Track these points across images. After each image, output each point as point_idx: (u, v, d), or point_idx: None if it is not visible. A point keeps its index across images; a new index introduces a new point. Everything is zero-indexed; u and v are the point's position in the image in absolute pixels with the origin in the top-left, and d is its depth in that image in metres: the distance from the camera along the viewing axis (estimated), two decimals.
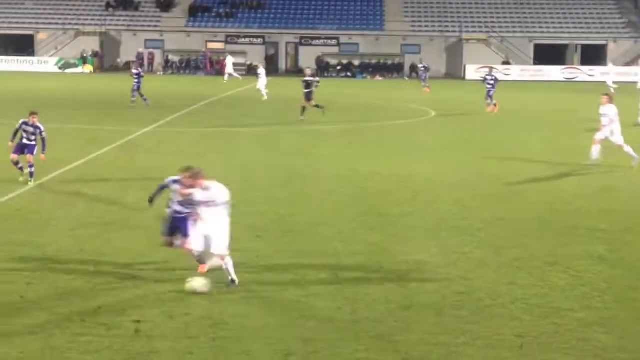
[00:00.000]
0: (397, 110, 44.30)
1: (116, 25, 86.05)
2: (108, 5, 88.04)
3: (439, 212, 18.63)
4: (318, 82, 39.24)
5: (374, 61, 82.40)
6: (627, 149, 25.09)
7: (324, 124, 36.24)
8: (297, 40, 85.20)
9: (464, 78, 78.34)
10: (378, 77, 79.88)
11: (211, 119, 38.02)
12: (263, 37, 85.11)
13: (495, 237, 16.31)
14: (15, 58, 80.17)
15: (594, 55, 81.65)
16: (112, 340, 10.52)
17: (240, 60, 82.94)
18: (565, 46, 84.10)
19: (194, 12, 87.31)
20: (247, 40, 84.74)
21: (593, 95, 36.73)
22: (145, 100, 42.54)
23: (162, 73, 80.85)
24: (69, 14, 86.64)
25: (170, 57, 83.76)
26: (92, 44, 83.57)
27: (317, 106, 37.40)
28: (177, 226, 13.56)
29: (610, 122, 25.11)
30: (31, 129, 21.15)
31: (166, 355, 10.12)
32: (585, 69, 79.06)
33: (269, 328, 11.05)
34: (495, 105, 41.93)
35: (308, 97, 37.79)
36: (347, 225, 17.12)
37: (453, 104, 49.38)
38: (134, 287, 12.67)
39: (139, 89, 42.91)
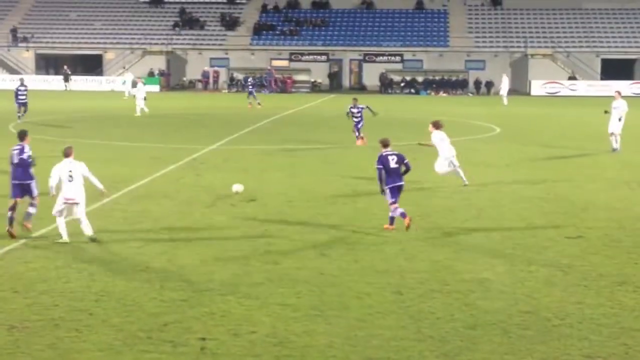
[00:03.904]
0: (462, 127, 44.00)
1: (182, 44, 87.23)
2: (175, 25, 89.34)
3: (504, 229, 18.45)
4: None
5: (437, 77, 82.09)
6: None
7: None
8: (361, 57, 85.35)
9: (529, 94, 77.60)
10: (442, 94, 79.54)
11: (275, 137, 38.22)
12: (327, 55, 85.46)
13: (563, 255, 16.08)
14: (84, 77, 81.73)
15: None
16: (178, 357, 10.61)
17: (305, 77, 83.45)
18: (633, 61, 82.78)
19: (258, 31, 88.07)
20: (311, 57, 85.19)
21: None
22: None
23: (227, 91, 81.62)
24: (137, 34, 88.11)
25: (235, 74, 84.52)
26: (158, 63, 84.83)
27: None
28: None
29: None
30: None
31: None
32: None
33: (333, 347, 11.03)
34: (362, 138, 34.97)
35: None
36: (410, 243, 17.04)
37: (518, 120, 48.94)
38: (199, 304, 12.77)
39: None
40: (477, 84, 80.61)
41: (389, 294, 13.47)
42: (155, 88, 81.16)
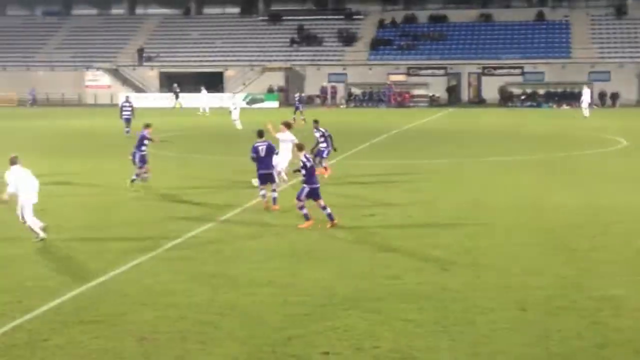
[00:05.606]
0: (586, 140, 43.01)
1: (300, 60, 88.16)
2: (293, 42, 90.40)
3: (633, 246, 17.86)
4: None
5: (559, 90, 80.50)
6: None
7: (509, 155, 35.66)
8: (480, 70, 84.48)
9: None
10: (565, 106, 77.89)
11: (395, 151, 38.14)
12: (445, 68, 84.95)
13: None
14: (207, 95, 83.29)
15: None
16: None
17: (422, 91, 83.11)
18: None
19: (375, 46, 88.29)
20: (429, 71, 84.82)
21: None
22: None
23: (345, 106, 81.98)
24: (256, 51, 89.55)
25: (353, 90, 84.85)
26: (277, 79, 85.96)
27: None
28: None
29: None
30: None
31: None
32: None
33: None
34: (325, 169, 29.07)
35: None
36: (535, 259, 16.69)
37: None
38: (322, 318, 12.79)
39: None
40: (602, 95, 78.70)
41: (512, 310, 13.21)
42: (275, 104, 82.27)
